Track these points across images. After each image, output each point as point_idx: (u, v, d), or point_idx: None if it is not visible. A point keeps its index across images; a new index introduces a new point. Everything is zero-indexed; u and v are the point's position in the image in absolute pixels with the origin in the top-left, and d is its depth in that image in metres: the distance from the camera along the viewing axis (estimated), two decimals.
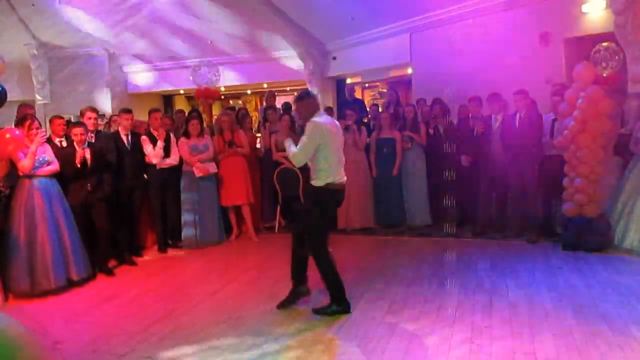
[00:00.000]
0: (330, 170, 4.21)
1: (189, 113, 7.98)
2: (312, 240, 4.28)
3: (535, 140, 6.29)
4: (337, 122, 4.47)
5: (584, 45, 7.01)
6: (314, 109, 4.26)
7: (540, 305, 4.29)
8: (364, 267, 5.69)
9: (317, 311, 4.27)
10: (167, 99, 14.08)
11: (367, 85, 13.01)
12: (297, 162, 4.29)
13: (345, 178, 4.36)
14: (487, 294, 4.62)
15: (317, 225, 4.27)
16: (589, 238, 5.81)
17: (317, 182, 4.24)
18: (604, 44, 6.44)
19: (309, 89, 9.39)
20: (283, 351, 3.65)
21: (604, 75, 6.24)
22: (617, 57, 6.26)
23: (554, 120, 6.33)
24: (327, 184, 4.21)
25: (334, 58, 11.20)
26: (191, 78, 8.52)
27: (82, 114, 6.00)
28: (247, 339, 3.87)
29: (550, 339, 3.63)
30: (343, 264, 5.94)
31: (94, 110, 6.01)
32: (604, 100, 5.73)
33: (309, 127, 4.15)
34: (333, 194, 4.28)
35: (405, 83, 10.43)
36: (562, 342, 3.56)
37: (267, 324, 4.14)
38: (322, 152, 4.16)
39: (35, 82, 11.84)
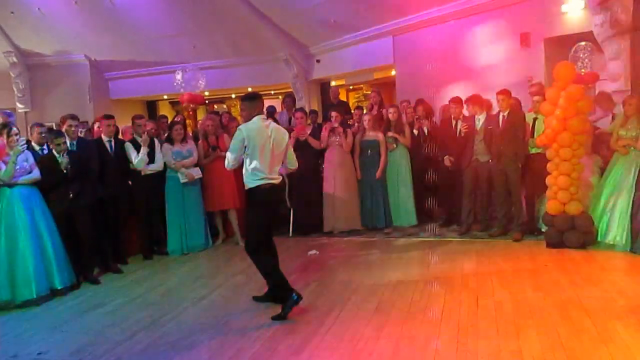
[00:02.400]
0: (259, 172, 4.36)
1: (172, 119, 7.93)
2: (249, 240, 4.54)
3: (518, 139, 6.35)
4: (274, 125, 4.57)
5: (564, 45, 7.10)
6: (250, 112, 4.45)
7: (525, 303, 4.32)
8: (351, 269, 5.69)
9: (275, 317, 4.25)
10: (151, 104, 13.99)
11: (351, 87, 13.03)
12: (226, 164, 4.50)
13: (279, 179, 4.51)
14: (472, 293, 4.65)
15: (253, 225, 4.51)
16: (572, 235, 5.87)
17: (249, 183, 4.44)
18: (582, 43, 6.54)
19: (293, 98, 9.39)
20: (270, 354, 3.64)
21: (582, 73, 6.33)
22: (594, 56, 6.36)
23: (535, 119, 6.40)
24: (258, 186, 4.38)
25: (318, 61, 11.21)
26: (175, 84, 8.46)
27: (62, 122, 5.93)
28: (234, 344, 3.85)
29: (536, 336, 3.66)
30: (330, 266, 5.96)
31: (75, 117, 5.95)
32: (584, 99, 5.81)
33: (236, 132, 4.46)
34: (264, 194, 4.40)
35: (389, 85, 10.48)
36: (547, 339, 3.59)
37: (254, 329, 4.12)
38: (250, 156, 4.36)
39: (15, 90, 11.71)
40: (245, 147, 4.35)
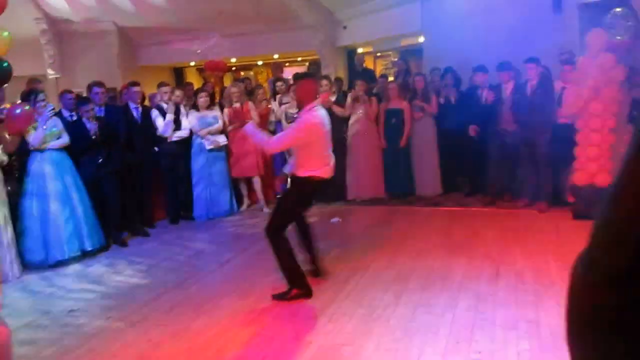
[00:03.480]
0: (312, 164, 4.06)
1: (200, 86, 7.98)
2: (274, 222, 4.13)
3: (546, 109, 6.21)
4: (325, 115, 4.23)
5: (599, 11, 6.83)
6: (310, 96, 4.09)
7: (547, 274, 4.30)
8: (372, 237, 5.73)
9: (276, 297, 4.09)
10: (178, 71, 14.06)
11: (379, 54, 12.83)
12: (271, 150, 4.28)
13: (331, 169, 4.23)
14: (494, 262, 4.65)
15: (286, 210, 4.19)
16: (599, 207, 5.76)
17: (300, 172, 4.11)
18: (617, 9, 6.27)
19: (319, 65, 9.29)
20: (290, 317, 3.73)
21: (617, 41, 6.09)
22: (630, 22, 6.09)
23: (564, 89, 6.23)
24: (309, 177, 4.07)
25: (345, 27, 11.04)
26: (198, 51, 8.48)
27: (89, 89, 6.04)
28: (255, 308, 3.95)
29: (555, 307, 3.65)
30: (351, 234, 6.02)
31: (102, 84, 6.05)
32: (616, 68, 5.62)
33: (299, 122, 4.06)
34: (314, 186, 4.15)
35: (417, 52, 10.29)
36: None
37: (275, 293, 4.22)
38: (306, 149, 4.04)
39: (46, 57, 11.88)
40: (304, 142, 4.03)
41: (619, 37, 5.97)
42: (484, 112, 6.69)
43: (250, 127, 4.21)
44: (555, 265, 4.51)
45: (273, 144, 4.19)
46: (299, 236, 4.42)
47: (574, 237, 5.27)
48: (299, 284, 4.08)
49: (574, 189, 6.04)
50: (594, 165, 5.79)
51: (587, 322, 0.63)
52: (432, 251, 5.07)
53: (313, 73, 4.37)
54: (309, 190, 4.19)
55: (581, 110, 5.75)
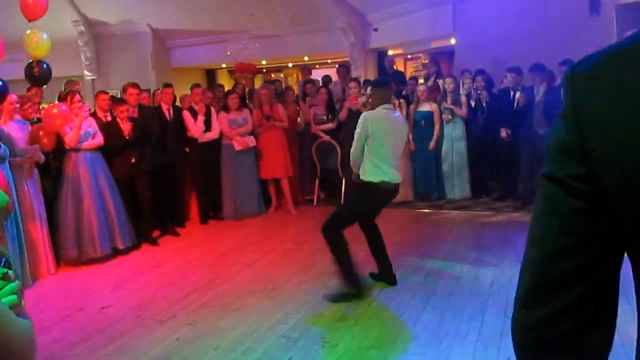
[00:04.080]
0: (381, 166, 4.06)
1: (232, 88, 8.08)
2: (335, 219, 4.16)
3: None
4: (398, 116, 4.28)
5: (637, 13, 6.65)
6: (379, 100, 4.11)
7: None
8: (401, 240, 5.69)
9: (332, 298, 4.04)
10: (210, 73, 14.24)
11: (409, 57, 12.75)
12: (352, 159, 4.18)
13: (400, 176, 4.23)
14: None
15: (351, 210, 4.31)
16: None
17: (367, 177, 4.11)
18: None
19: (347, 68, 9.31)
20: (316, 319, 3.74)
21: None
22: None
23: None
24: (378, 183, 4.07)
25: (375, 29, 11.00)
26: (228, 53, 8.59)
27: (124, 90, 6.17)
28: (281, 308, 3.97)
29: None
30: (388, 239, 5.98)
31: (136, 86, 6.17)
32: None
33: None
34: (383, 194, 4.15)
35: (448, 54, 10.19)
36: None
37: (301, 294, 4.24)
38: (371, 147, 4.04)
39: (83, 59, 12.20)
40: (367, 137, 4.04)
41: None
42: (516, 115, 6.59)
43: None
44: None
45: (352, 152, 4.17)
46: (369, 244, 4.39)
47: None
48: (353, 283, 4.05)
49: None
50: None
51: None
52: (461, 256, 5.01)
53: (386, 80, 4.49)
54: (380, 199, 4.22)
55: None
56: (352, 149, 4.16)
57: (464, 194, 7.32)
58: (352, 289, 4.04)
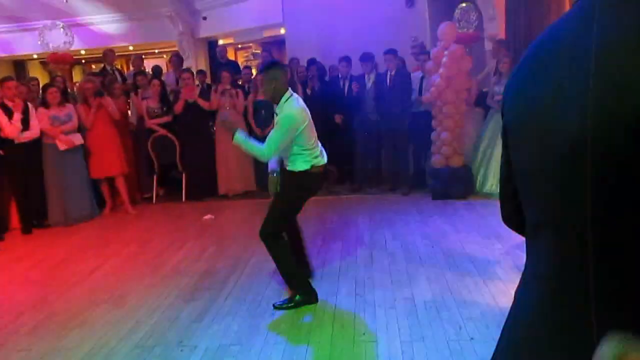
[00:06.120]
0: (309, 152, 3.67)
1: (49, 81, 7.27)
2: (270, 224, 3.73)
3: (404, 98, 6.61)
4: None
5: (449, 5, 7.41)
6: (283, 87, 3.60)
7: (416, 253, 4.60)
8: (249, 231, 5.66)
9: (280, 306, 3.70)
10: (19, 65, 12.70)
11: (240, 46, 12.70)
12: (267, 158, 3.72)
13: (324, 159, 3.83)
14: (367, 247, 4.86)
15: (285, 210, 3.81)
16: (454, 187, 6.30)
17: (295, 166, 3.69)
18: (463, 4, 6.86)
19: (180, 58, 8.94)
20: (172, 323, 3.56)
21: (463, 32, 6.67)
22: (474, 17, 6.71)
23: (422, 78, 6.69)
24: (307, 170, 3.67)
25: (204, 18, 10.75)
26: (39, 42, 7.73)
27: None
28: (131, 317, 3.71)
29: (426, 283, 3.92)
30: (227, 229, 5.91)
31: None
32: (465, 58, 6.15)
33: (282, 120, 3.53)
34: (313, 179, 3.76)
35: (279, 44, 10.34)
36: (436, 285, 3.86)
37: (152, 299, 4.00)
38: (298, 139, 3.60)
39: None
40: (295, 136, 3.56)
41: (465, 30, 6.54)
42: (350, 102, 6.94)
43: (242, 134, 3.64)
44: (422, 244, 4.84)
45: (268, 149, 3.58)
46: (289, 237, 3.99)
47: (435, 217, 5.71)
48: (303, 289, 3.73)
49: (432, 171, 6.51)
50: (448, 149, 6.29)
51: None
52: (309, 239, 5.14)
53: (277, 61, 3.84)
54: (310, 186, 3.80)
55: (436, 98, 6.20)
56: (269, 151, 3.59)
57: None
58: (305, 293, 3.72)
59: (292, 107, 3.58)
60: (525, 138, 0.82)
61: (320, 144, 3.83)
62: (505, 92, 0.90)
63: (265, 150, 3.58)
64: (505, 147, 0.92)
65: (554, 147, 0.75)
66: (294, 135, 3.55)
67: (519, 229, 0.95)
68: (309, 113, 3.67)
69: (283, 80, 3.61)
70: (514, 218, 0.97)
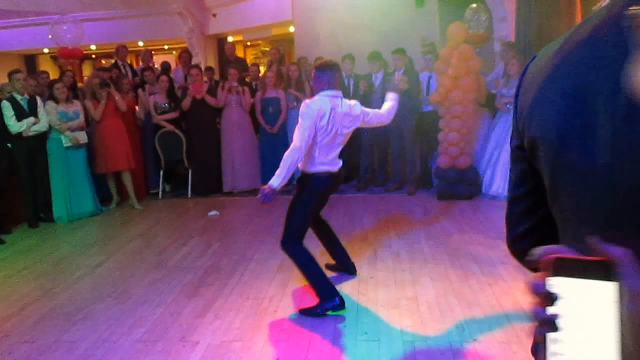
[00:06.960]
0: (318, 157, 3.63)
1: (59, 76, 7.30)
2: (290, 231, 3.69)
3: (412, 98, 6.58)
4: (343, 101, 3.70)
5: (458, 5, 7.36)
6: (321, 85, 3.63)
7: (420, 253, 4.58)
8: (253, 227, 5.69)
9: (305, 312, 3.58)
10: (30, 59, 12.77)
11: (249, 43, 12.71)
12: (298, 148, 3.54)
13: (338, 166, 3.78)
14: (371, 246, 4.84)
15: (301, 214, 3.74)
16: (460, 187, 6.27)
17: (308, 168, 3.68)
18: (473, 5, 6.82)
19: (189, 54, 8.97)
20: (174, 318, 3.57)
21: (472, 33, 6.63)
22: (484, 18, 6.67)
23: (430, 78, 6.66)
24: (315, 173, 3.65)
25: (214, 15, 10.76)
26: (50, 36, 7.76)
27: None
28: (134, 312, 3.73)
29: (430, 283, 3.91)
30: (232, 226, 5.92)
31: None
32: (474, 58, 6.11)
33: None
34: (322, 183, 3.71)
35: (288, 41, 10.34)
36: (440, 285, 3.85)
37: (155, 294, 4.02)
38: (316, 136, 3.57)
39: None
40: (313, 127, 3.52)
41: (475, 30, 6.50)
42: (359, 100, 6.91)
43: (275, 181, 3.52)
44: (427, 244, 4.82)
45: (296, 143, 3.50)
46: (321, 237, 4.04)
47: (440, 217, 5.68)
48: (331, 294, 3.58)
49: (438, 171, 6.49)
50: (455, 149, 6.26)
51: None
52: (313, 238, 5.13)
53: (328, 63, 3.73)
54: (320, 190, 3.74)
55: (443, 98, 6.17)
56: (298, 143, 3.51)
57: None
58: (332, 300, 3.57)
59: (313, 100, 3.60)
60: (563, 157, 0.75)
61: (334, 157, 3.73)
62: (532, 106, 0.80)
63: (293, 143, 3.54)
64: (521, 160, 0.86)
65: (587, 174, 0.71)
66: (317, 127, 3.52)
67: (523, 258, 0.86)
68: (332, 118, 3.57)
69: (324, 80, 3.63)
70: (520, 242, 0.92)
